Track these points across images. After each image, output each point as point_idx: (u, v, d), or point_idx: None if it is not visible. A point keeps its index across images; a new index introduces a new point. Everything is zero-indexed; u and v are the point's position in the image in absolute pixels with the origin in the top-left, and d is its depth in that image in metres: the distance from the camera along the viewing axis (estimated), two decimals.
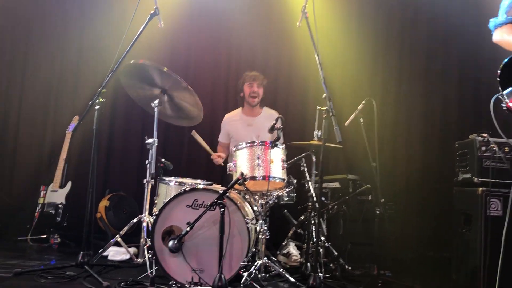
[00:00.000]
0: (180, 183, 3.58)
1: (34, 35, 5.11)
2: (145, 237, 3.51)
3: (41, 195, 4.41)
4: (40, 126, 5.08)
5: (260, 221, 3.22)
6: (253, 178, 3.15)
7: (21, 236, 4.19)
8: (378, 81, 5.06)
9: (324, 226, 3.75)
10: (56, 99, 5.11)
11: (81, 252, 3.18)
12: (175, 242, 2.86)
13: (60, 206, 4.35)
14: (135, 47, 3.37)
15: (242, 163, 3.23)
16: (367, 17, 5.15)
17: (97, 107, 3.31)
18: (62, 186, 4.45)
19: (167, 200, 3.08)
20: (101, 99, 3.32)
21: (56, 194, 4.39)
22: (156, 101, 3.62)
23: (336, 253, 3.62)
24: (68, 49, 5.13)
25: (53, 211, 4.32)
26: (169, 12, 4.50)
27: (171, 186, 3.61)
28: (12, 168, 4.99)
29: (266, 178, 3.16)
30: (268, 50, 5.18)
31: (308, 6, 3.30)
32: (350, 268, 3.61)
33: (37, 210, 4.32)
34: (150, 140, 3.60)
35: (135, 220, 3.68)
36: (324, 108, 3.11)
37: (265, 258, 3.18)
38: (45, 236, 4.19)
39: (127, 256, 3.67)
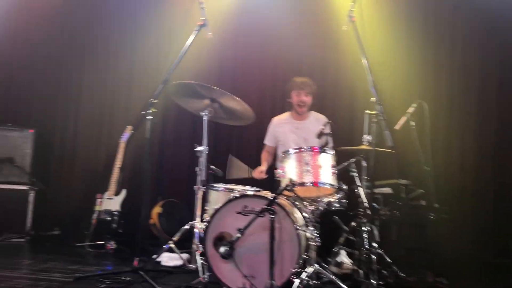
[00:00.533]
0: (230, 190, 3.62)
1: (89, 49, 5.35)
2: (197, 243, 3.57)
3: (98, 202, 4.59)
4: (96, 137, 5.30)
5: (311, 228, 3.20)
6: (302, 184, 3.13)
7: (80, 242, 4.37)
8: (429, 83, 4.91)
9: (376, 232, 3.67)
10: (111, 110, 5.32)
11: (136, 258, 3.28)
12: (227, 248, 2.89)
13: (115, 213, 4.50)
14: (185, 59, 3.46)
15: (290, 169, 3.22)
16: (415, 17, 5.02)
17: (149, 117, 3.42)
18: (117, 193, 4.61)
19: (217, 207, 3.13)
20: (153, 110, 3.43)
21: (111, 202, 4.55)
22: (206, 110, 3.68)
23: (389, 260, 3.54)
24: (121, 62, 5.33)
25: (109, 218, 4.48)
26: (216, 23, 4.57)
27: (221, 192, 3.65)
28: (71, 178, 5.23)
29: (315, 184, 3.14)
30: (314, 55, 5.15)
31: (355, 9, 3.27)
32: (404, 275, 3.52)
33: (94, 218, 4.49)
34: (200, 148, 3.67)
35: (187, 227, 3.75)
36: (373, 112, 3.06)
37: (317, 265, 3.16)
38: (102, 242, 4.34)
39: (180, 262, 3.75)
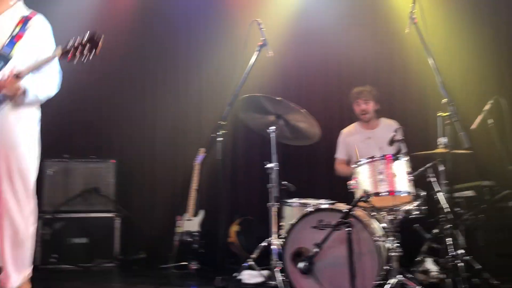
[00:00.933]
0: (304, 204, 3.61)
1: (160, 77, 5.58)
2: (276, 259, 3.59)
3: (178, 224, 4.75)
4: (172, 160, 5.50)
5: (391, 238, 3.11)
6: (377, 194, 3.06)
7: (164, 264, 4.54)
8: (504, 79, 4.63)
9: (461, 238, 3.49)
10: (184, 134, 5.51)
11: (218, 277, 3.36)
12: (306, 264, 2.89)
13: (195, 234, 4.64)
14: (249, 78, 3.55)
15: (364, 179, 3.17)
16: (482, 12, 4.78)
17: (219, 138, 3.53)
18: (195, 214, 4.75)
19: (292, 222, 3.14)
20: (222, 131, 3.53)
21: (191, 223, 4.70)
22: (273, 127, 3.72)
23: (479, 267, 3.35)
24: (190, 87, 5.52)
25: (190, 239, 4.62)
26: (277, 40, 4.65)
27: (295, 207, 3.66)
28: (152, 202, 5.46)
29: (391, 193, 3.06)
30: (378, 61, 5.06)
31: (416, 10, 3.19)
32: (497, 282, 3.31)
33: (176, 239, 4.66)
34: (270, 165, 3.71)
35: (264, 243, 3.78)
36: (446, 114, 2.95)
37: (400, 276, 3.06)
38: (185, 263, 4.49)
39: (261, 279, 3.78)
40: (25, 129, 2.84)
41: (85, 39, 2.67)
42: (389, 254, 3.06)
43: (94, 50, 2.68)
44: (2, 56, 2.68)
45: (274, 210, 3.68)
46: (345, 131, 4.52)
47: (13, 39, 2.74)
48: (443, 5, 4.75)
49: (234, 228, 4.80)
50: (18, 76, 2.63)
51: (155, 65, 5.61)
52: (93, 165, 5.07)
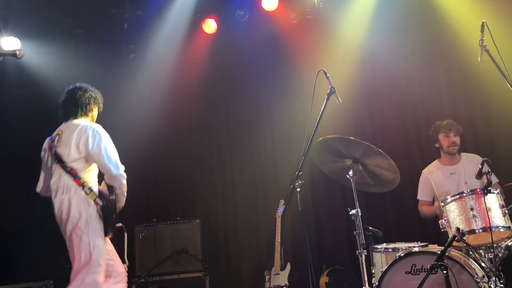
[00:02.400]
0: (394, 249, 3.47)
1: (235, 135, 5.76)
2: None
3: (266, 279, 4.73)
4: (253, 215, 5.56)
5: (493, 278, 2.88)
6: (471, 232, 2.89)
7: None
8: None
9: None
10: (262, 187, 5.58)
11: None
12: None
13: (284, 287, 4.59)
14: (321, 126, 3.57)
15: (454, 217, 3.01)
16: None
17: (298, 189, 3.53)
18: (282, 268, 4.71)
19: (384, 269, 3.02)
20: (300, 181, 3.54)
21: (279, 277, 4.66)
22: (351, 172, 3.67)
23: None
24: (265, 140, 5.64)
25: None
26: (347, 85, 4.69)
27: (384, 253, 3.52)
28: (238, 258, 5.51)
29: (487, 229, 2.87)
30: (454, 93, 4.88)
31: (485, 38, 3.10)
32: None
33: None
34: (353, 211, 3.63)
35: None
36: None
37: None
38: None
39: None
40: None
41: None
42: None
43: None
44: None
45: (363, 258, 3.56)
46: (426, 171, 4.35)
47: None
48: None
49: (324, 279, 4.68)
50: None
51: (229, 122, 5.82)
52: (180, 227, 5.26)
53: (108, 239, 3.37)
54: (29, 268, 5.11)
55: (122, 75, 5.89)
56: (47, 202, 5.49)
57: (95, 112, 3.66)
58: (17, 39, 5.19)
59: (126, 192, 3.41)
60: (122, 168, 3.37)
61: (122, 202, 3.41)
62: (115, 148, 3.42)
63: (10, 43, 5.14)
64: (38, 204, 5.35)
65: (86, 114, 3.55)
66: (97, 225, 3.24)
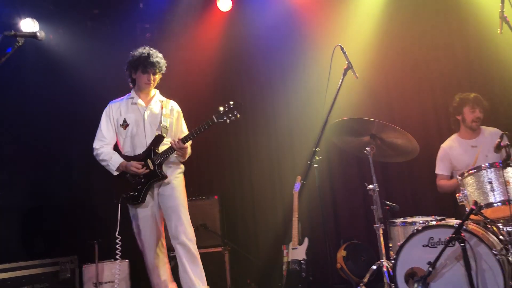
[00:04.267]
0: (411, 223, 3.51)
1: (250, 114, 5.80)
2: (388, 282, 3.49)
3: (284, 253, 4.80)
4: (270, 191, 5.61)
5: None
6: (489, 205, 2.91)
7: None
8: None
9: None
10: (278, 164, 5.62)
11: None
12: (420, 284, 2.79)
13: (302, 262, 4.65)
14: (339, 101, 3.58)
15: (472, 191, 3.02)
16: None
17: (315, 165, 3.57)
18: (300, 243, 4.77)
19: (401, 243, 3.06)
20: (317, 157, 3.58)
21: (296, 252, 4.73)
22: (369, 148, 3.69)
23: None
24: (281, 116, 5.63)
25: (297, 268, 4.64)
26: (363, 61, 4.65)
27: (401, 227, 3.56)
28: (256, 233, 5.60)
29: (505, 202, 2.88)
30: (472, 67, 4.82)
31: (506, 9, 3.05)
32: None
33: (284, 269, 4.71)
34: (371, 186, 3.66)
35: (374, 267, 3.70)
36: None
37: None
38: None
39: None
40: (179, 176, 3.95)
41: (232, 106, 3.59)
42: None
43: (238, 115, 3.59)
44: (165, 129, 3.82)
45: (380, 232, 3.61)
46: (444, 145, 4.33)
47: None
48: None
49: (341, 253, 4.74)
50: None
51: (244, 99, 5.82)
52: (198, 203, 5.34)
53: None
54: (55, 243, 5.29)
55: None
56: (76, 182, 5.65)
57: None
58: (35, 20, 5.23)
59: None
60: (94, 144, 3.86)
61: None
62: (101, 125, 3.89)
63: (28, 25, 5.19)
64: (68, 181, 5.56)
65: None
66: None
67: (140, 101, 3.89)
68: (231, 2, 5.67)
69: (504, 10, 3.04)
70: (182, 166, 3.96)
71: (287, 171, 5.47)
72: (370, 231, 3.74)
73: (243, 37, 5.75)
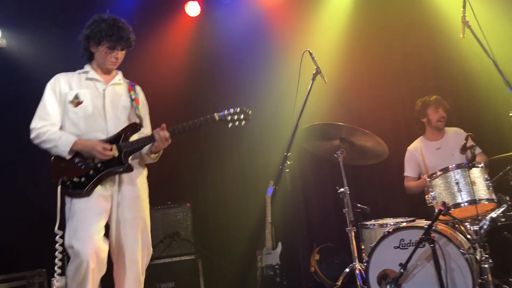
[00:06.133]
0: (382, 225, 3.55)
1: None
2: (361, 284, 3.52)
3: (258, 259, 4.79)
4: (243, 197, 5.59)
5: (479, 249, 2.97)
6: (457, 205, 2.97)
7: None
8: None
9: None
10: (250, 167, 5.60)
11: None
12: (392, 286, 2.82)
13: (276, 267, 4.65)
14: (309, 106, 3.59)
15: (440, 192, 3.08)
16: None
17: (287, 170, 3.57)
18: (274, 247, 4.77)
19: (373, 245, 3.09)
20: (289, 162, 3.58)
21: (270, 256, 4.73)
22: (339, 152, 3.72)
23: None
24: (252, 122, 5.53)
25: (271, 272, 4.63)
26: (331, 66, 4.70)
27: (373, 229, 3.60)
28: (229, 240, 5.57)
29: (472, 202, 2.94)
30: (437, 69, 4.94)
31: (467, 14, 3.13)
32: None
33: (258, 274, 4.69)
34: (342, 189, 3.69)
35: (347, 270, 3.73)
36: None
37: None
38: None
39: None
40: (145, 182, 3.18)
41: (239, 111, 3.19)
42: (481, 266, 2.92)
43: (243, 123, 3.19)
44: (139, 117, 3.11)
45: (352, 235, 3.64)
46: (411, 148, 4.42)
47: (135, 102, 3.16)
48: (494, 3, 4.58)
49: (314, 257, 4.76)
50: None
51: (215, 105, 5.78)
52: (170, 210, 5.27)
53: None
54: (22, 257, 5.11)
55: None
56: (41, 190, 5.47)
57: None
58: None
59: None
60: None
61: None
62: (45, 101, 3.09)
63: None
64: (34, 192, 5.38)
65: None
66: None
67: (98, 77, 3.12)
68: (199, 7, 5.63)
69: (466, 15, 3.12)
70: (146, 169, 3.25)
71: (259, 176, 5.46)
72: (342, 234, 3.76)
73: (212, 42, 5.72)
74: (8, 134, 5.30)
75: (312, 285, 4.73)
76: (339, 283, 3.72)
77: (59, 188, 2.84)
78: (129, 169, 2.97)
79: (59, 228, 2.82)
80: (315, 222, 5.28)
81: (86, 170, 2.91)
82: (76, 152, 2.94)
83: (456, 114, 4.65)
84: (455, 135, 4.18)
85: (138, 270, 2.96)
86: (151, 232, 3.10)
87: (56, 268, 2.81)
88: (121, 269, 2.93)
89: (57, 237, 2.79)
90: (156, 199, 5.50)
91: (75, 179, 2.89)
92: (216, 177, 5.75)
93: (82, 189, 2.87)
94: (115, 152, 2.93)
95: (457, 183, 3.01)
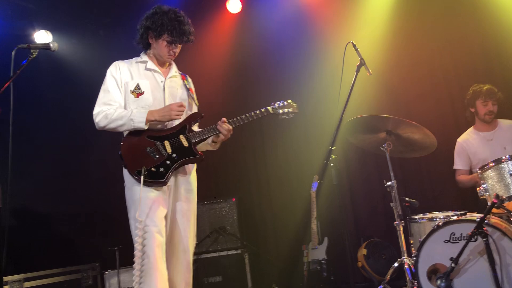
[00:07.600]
0: (431, 219, 3.46)
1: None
2: (411, 279, 3.45)
3: (305, 254, 4.79)
4: (288, 191, 5.57)
5: None
6: (511, 198, 2.85)
7: None
8: None
9: None
10: (295, 164, 5.56)
11: None
12: (443, 281, 2.75)
13: (323, 261, 4.63)
14: (353, 98, 3.54)
15: (493, 184, 2.96)
16: None
17: (332, 164, 3.55)
18: (320, 242, 4.75)
19: (422, 239, 3.01)
20: (333, 156, 3.55)
21: (317, 251, 4.71)
22: (385, 144, 3.65)
23: None
24: (296, 116, 5.58)
25: (318, 267, 4.62)
26: (377, 57, 4.60)
27: (422, 223, 3.51)
28: (275, 234, 5.58)
29: None
30: (489, 58, 4.73)
31: None
32: None
33: (304, 269, 4.69)
34: (389, 183, 3.62)
35: (396, 264, 3.66)
36: None
37: None
38: None
39: None
40: (195, 175, 3.23)
41: (286, 104, 3.24)
42: None
43: (291, 115, 3.25)
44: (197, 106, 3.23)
45: (400, 229, 3.57)
46: (461, 139, 4.27)
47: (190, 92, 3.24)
48: None
49: (362, 251, 4.70)
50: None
51: (259, 100, 5.79)
52: (216, 206, 5.35)
53: None
54: (76, 251, 5.35)
55: None
56: (93, 188, 5.68)
57: None
58: (49, 32, 5.33)
59: None
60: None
61: None
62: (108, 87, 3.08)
63: (42, 36, 5.29)
64: (87, 189, 5.61)
65: None
66: None
67: (156, 68, 3.14)
68: (240, 3, 5.67)
69: None
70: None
71: (304, 170, 5.44)
72: (390, 228, 3.70)
73: (254, 37, 5.74)
74: (62, 134, 5.54)
75: (360, 280, 4.67)
76: (387, 278, 3.67)
77: (142, 177, 2.81)
78: (201, 158, 3.00)
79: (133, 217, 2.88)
80: (362, 217, 5.20)
81: (161, 159, 2.91)
82: (146, 141, 2.94)
83: (507, 105, 4.43)
84: (507, 127, 4.00)
85: (189, 259, 3.04)
86: (198, 227, 3.18)
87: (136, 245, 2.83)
88: (174, 258, 3.00)
89: (137, 223, 2.81)
90: (203, 194, 5.63)
91: (152, 169, 2.87)
92: (261, 172, 5.77)
93: (161, 179, 2.88)
94: (183, 143, 2.98)
95: (511, 175, 2.89)
